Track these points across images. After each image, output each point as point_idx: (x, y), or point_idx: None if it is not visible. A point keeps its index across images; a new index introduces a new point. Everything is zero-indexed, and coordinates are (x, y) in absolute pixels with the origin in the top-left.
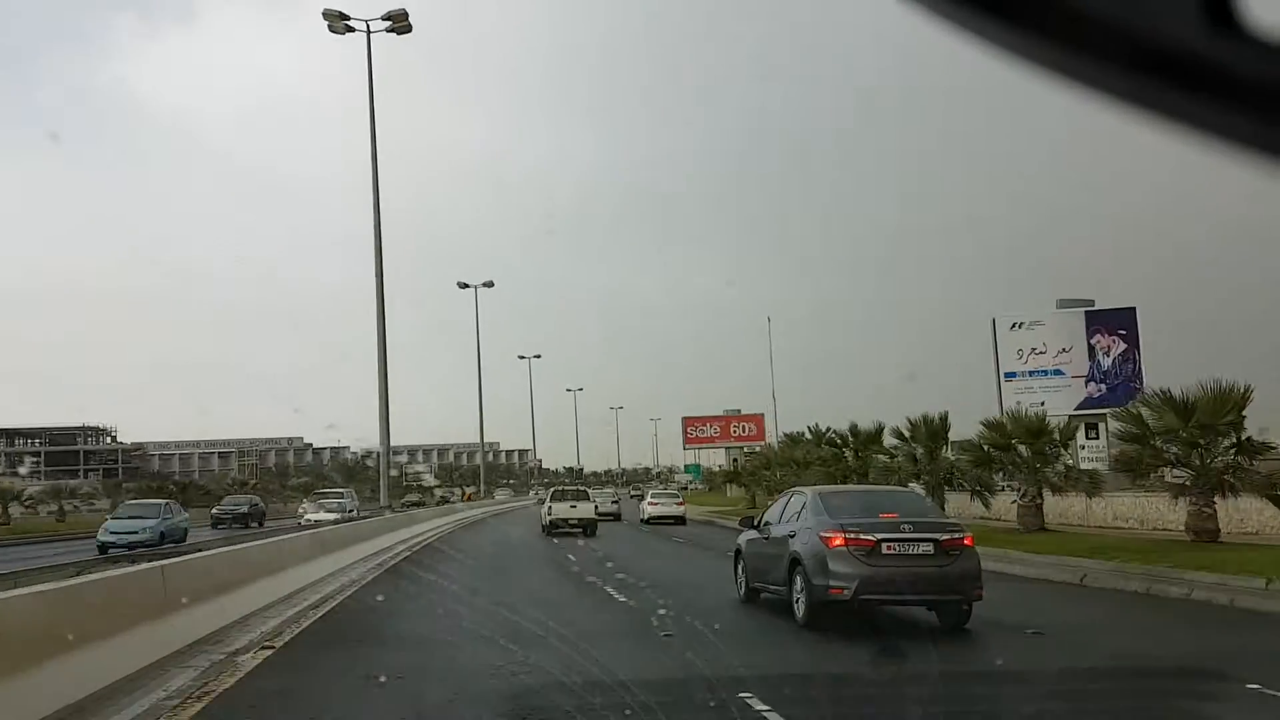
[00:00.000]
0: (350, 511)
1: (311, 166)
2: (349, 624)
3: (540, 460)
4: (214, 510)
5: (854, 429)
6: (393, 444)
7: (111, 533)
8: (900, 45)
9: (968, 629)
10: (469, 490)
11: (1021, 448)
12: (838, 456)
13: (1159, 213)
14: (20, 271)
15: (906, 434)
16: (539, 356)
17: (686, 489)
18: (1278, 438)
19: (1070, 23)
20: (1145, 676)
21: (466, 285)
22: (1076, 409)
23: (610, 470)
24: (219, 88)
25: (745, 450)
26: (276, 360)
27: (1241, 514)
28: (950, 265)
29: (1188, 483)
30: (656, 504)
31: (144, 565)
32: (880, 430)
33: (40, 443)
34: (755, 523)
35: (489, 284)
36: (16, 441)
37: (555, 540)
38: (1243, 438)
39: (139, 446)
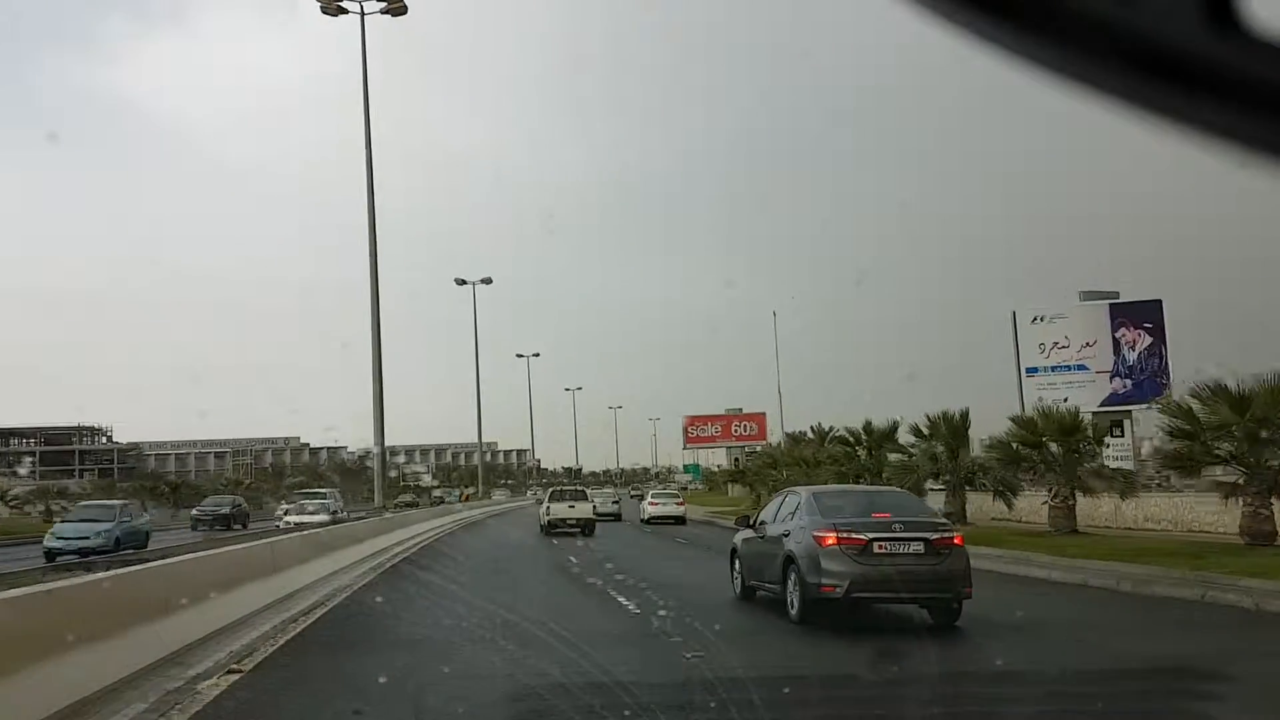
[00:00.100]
0: (334, 513)
1: (310, 166)
2: (324, 652)
3: (539, 460)
4: (194, 511)
5: (868, 426)
6: (391, 444)
7: (60, 538)
8: (902, 46)
9: (1016, 638)
10: (467, 491)
11: (1053, 445)
12: (850, 455)
13: (1180, 201)
14: (19, 272)
15: (925, 431)
16: (537, 355)
17: (686, 489)
18: None
19: (1070, 23)
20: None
21: (464, 281)
22: (1101, 405)
23: (609, 470)
24: (217, 88)
25: (747, 450)
26: (276, 360)
27: None
28: (949, 265)
29: (1240, 481)
30: (657, 504)
31: (79, 578)
32: (895, 428)
33: (35, 442)
34: (751, 522)
35: (487, 280)
36: (11, 441)
37: (554, 541)
38: None
39: (134, 446)
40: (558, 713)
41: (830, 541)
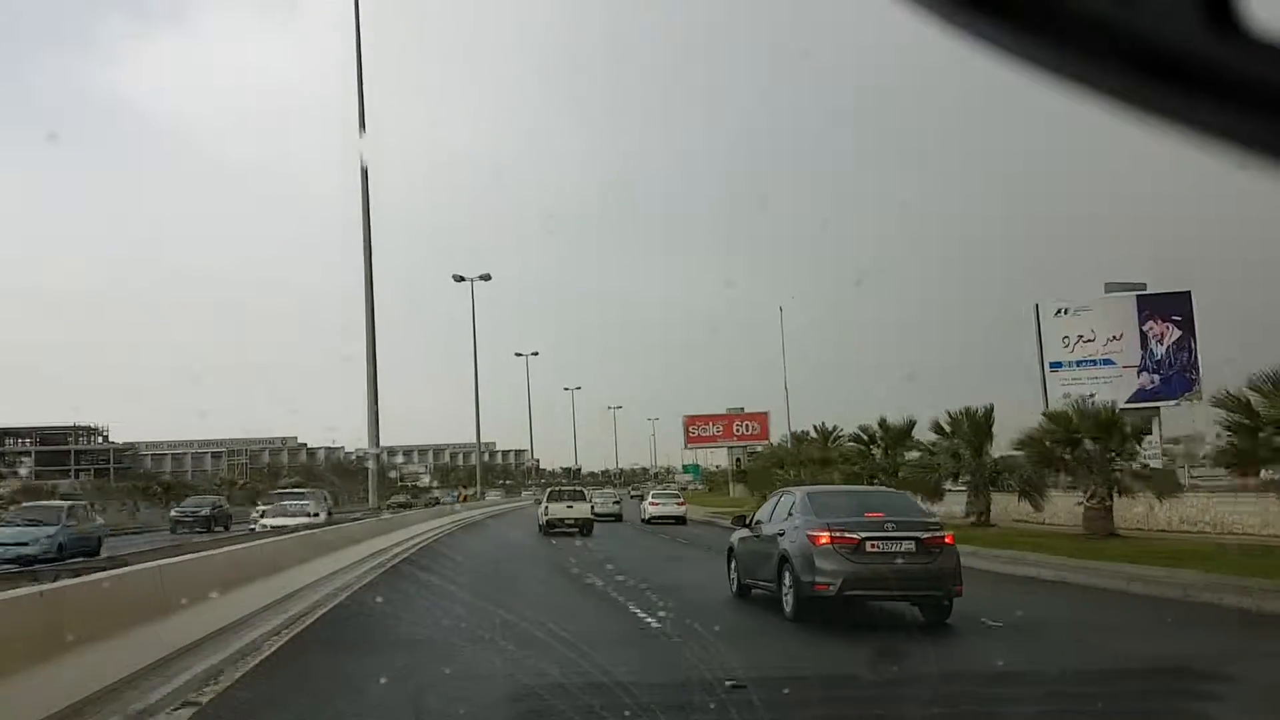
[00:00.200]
0: (317, 515)
1: (310, 166)
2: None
3: (537, 460)
4: (172, 512)
5: (883, 424)
6: (390, 445)
7: None
8: (902, 46)
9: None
10: (466, 491)
11: (1088, 443)
12: (864, 454)
13: (1180, 201)
14: (19, 272)
15: (947, 428)
16: (536, 354)
17: (686, 489)
18: None
19: (1069, 23)
20: None
21: (462, 278)
22: (1128, 402)
23: (607, 471)
24: (217, 88)
25: (749, 450)
26: (276, 361)
27: None
28: (949, 265)
29: None
30: (658, 504)
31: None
32: (911, 426)
33: (31, 442)
34: (747, 521)
35: (485, 277)
36: (7, 441)
37: (553, 541)
38: None
39: (130, 446)
40: (558, 713)
41: (824, 540)
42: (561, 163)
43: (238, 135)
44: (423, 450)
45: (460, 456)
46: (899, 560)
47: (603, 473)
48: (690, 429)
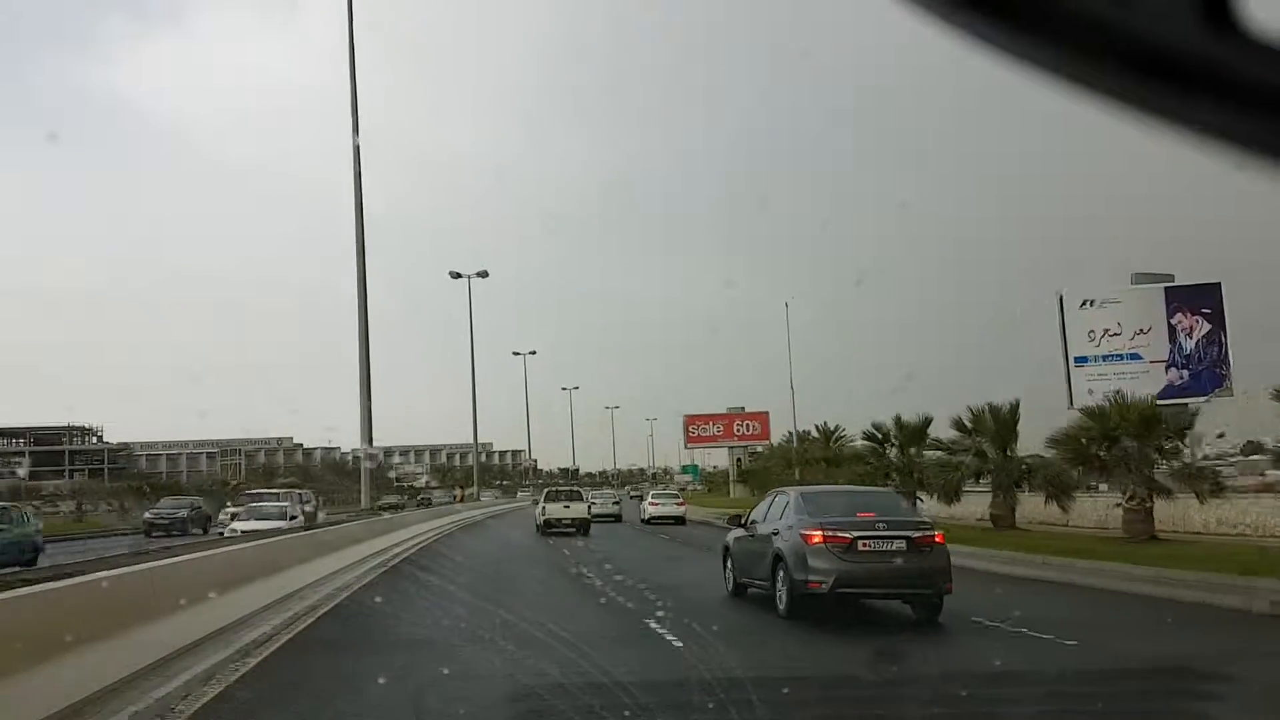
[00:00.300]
0: (295, 518)
1: (310, 166)
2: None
3: (535, 461)
4: (146, 514)
5: (899, 421)
6: (387, 445)
7: None
8: (901, 46)
9: None
10: (463, 491)
11: (1127, 441)
12: (877, 453)
13: (1179, 201)
14: (19, 272)
15: (969, 425)
16: (534, 353)
17: (685, 489)
18: None
19: (1066, 23)
20: None
21: (459, 275)
22: (1156, 398)
23: (605, 471)
24: (216, 88)
25: (749, 450)
26: (276, 361)
27: None
28: (948, 264)
29: None
30: (657, 504)
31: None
32: (927, 423)
33: (25, 442)
34: (743, 521)
35: (483, 274)
36: (1, 441)
37: (552, 541)
38: None
39: (125, 446)
40: (557, 713)
41: (817, 539)
42: (561, 163)
43: (237, 135)
44: (420, 450)
45: (458, 457)
46: (890, 559)
47: (600, 473)
48: (690, 428)
